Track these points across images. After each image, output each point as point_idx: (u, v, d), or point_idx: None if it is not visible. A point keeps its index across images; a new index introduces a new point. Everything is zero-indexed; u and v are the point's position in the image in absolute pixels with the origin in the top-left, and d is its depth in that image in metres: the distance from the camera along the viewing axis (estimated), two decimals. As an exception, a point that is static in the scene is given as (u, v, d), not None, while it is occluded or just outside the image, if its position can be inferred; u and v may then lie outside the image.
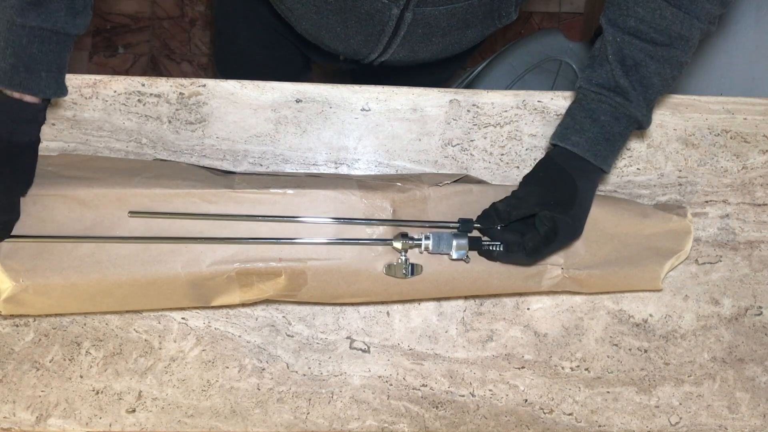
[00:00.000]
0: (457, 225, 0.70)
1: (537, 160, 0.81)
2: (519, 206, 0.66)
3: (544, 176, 0.66)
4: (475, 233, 0.71)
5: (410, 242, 0.69)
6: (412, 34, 0.77)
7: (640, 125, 0.66)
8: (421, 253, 0.70)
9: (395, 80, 0.82)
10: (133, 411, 0.76)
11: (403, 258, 0.69)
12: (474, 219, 0.70)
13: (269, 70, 1.07)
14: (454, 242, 0.69)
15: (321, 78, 0.91)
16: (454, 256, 0.69)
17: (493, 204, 0.68)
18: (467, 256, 0.69)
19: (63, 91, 0.63)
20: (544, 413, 0.79)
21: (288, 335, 0.78)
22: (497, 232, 0.69)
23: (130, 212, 0.66)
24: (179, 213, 0.67)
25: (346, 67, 1.05)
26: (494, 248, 0.69)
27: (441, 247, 0.69)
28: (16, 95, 0.60)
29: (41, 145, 0.76)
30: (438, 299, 0.79)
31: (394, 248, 0.69)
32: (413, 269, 0.69)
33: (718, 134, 0.83)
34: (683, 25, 0.63)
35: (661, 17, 0.63)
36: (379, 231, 0.70)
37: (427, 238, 0.69)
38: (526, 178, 0.67)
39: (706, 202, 0.82)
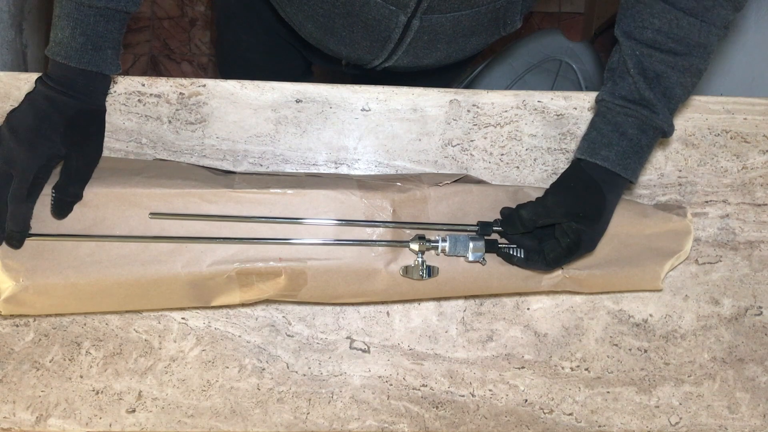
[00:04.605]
0: (476, 227, 0.70)
1: (537, 161, 0.81)
2: (546, 215, 0.66)
3: (574, 187, 0.66)
4: (493, 235, 0.71)
5: (427, 244, 0.69)
6: (417, 41, 0.77)
7: (664, 134, 0.66)
8: (437, 255, 0.70)
9: (396, 85, 0.82)
10: (133, 411, 0.76)
11: (420, 260, 0.69)
12: (493, 221, 0.70)
13: (271, 76, 1.08)
14: (471, 244, 0.69)
15: (321, 79, 0.91)
16: (471, 258, 0.69)
17: (518, 209, 0.68)
18: (483, 258, 0.70)
19: (119, 67, 0.66)
20: (544, 413, 0.79)
21: (288, 335, 0.78)
22: (516, 236, 0.70)
23: (151, 213, 0.67)
24: (198, 215, 0.67)
25: (349, 72, 1.05)
26: (515, 253, 0.70)
27: (457, 249, 0.69)
28: (94, 69, 0.64)
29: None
30: (438, 299, 0.79)
31: (411, 250, 0.69)
32: (430, 271, 0.69)
33: (718, 134, 0.83)
34: (701, 34, 0.63)
35: (678, 27, 0.63)
36: (379, 231, 0.70)
37: (443, 240, 0.69)
38: (555, 187, 0.67)
39: (706, 202, 0.82)
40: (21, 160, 0.62)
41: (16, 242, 0.64)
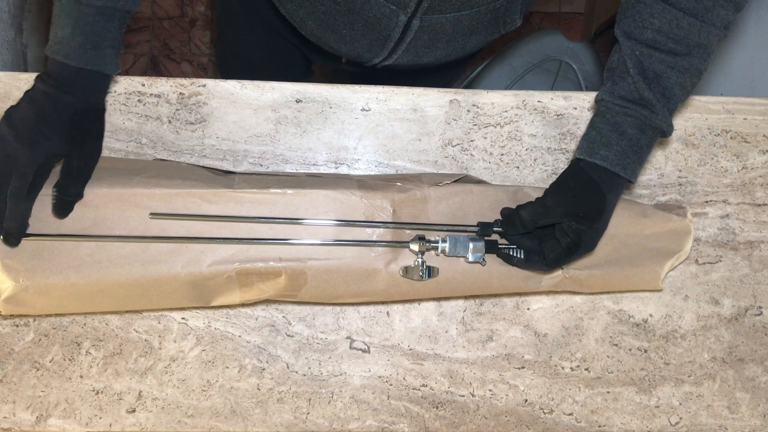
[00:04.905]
0: (476, 228, 0.70)
1: (537, 161, 0.81)
2: (546, 215, 0.66)
3: (573, 187, 0.66)
4: (493, 236, 0.71)
5: (427, 245, 0.69)
6: (417, 41, 0.77)
7: (663, 134, 0.67)
8: (437, 255, 0.70)
9: (396, 83, 0.82)
10: (133, 411, 0.76)
11: (420, 260, 0.69)
12: (493, 222, 0.70)
13: (271, 74, 1.08)
14: (471, 245, 0.69)
15: (321, 78, 0.91)
16: (471, 258, 0.69)
17: (517, 210, 0.68)
18: (483, 259, 0.70)
19: (119, 67, 0.66)
20: (544, 413, 0.79)
21: (288, 335, 0.78)
22: (516, 236, 0.70)
23: (151, 213, 0.66)
24: (198, 215, 0.67)
25: (348, 70, 1.05)
26: (514, 253, 0.69)
27: (457, 250, 0.69)
28: (94, 69, 0.63)
29: (41, 145, 0.76)
30: (438, 299, 0.79)
31: (411, 251, 0.69)
32: (430, 272, 0.69)
33: (718, 134, 0.83)
34: (700, 34, 0.63)
35: (678, 27, 0.63)
36: (379, 231, 0.70)
37: (443, 240, 0.69)
38: (554, 187, 0.67)
39: (706, 202, 0.82)
40: (21, 157, 0.62)
41: (13, 240, 0.64)
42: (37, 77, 0.64)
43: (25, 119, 0.63)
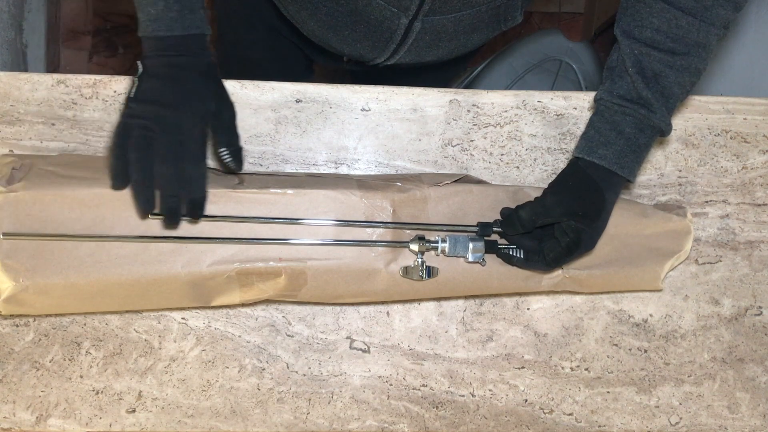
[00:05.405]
0: (475, 228, 0.70)
1: (537, 161, 0.81)
2: (545, 215, 0.66)
3: (572, 186, 0.66)
4: (493, 236, 0.71)
5: (427, 245, 0.69)
6: (420, 41, 0.77)
7: (662, 133, 0.67)
8: (437, 255, 0.70)
9: (397, 81, 0.82)
10: (133, 411, 0.76)
11: (420, 260, 0.69)
12: (492, 222, 0.70)
13: (272, 74, 1.08)
14: (471, 245, 0.69)
15: (321, 77, 0.91)
16: (471, 259, 0.69)
17: (516, 209, 0.68)
18: (483, 259, 0.70)
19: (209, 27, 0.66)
20: (544, 413, 0.79)
21: (288, 335, 0.78)
22: (515, 236, 0.70)
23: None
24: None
25: (350, 69, 1.05)
26: (514, 253, 0.70)
27: (457, 250, 0.69)
28: (197, 32, 0.63)
29: (41, 145, 0.76)
30: (438, 299, 0.79)
31: (411, 251, 0.69)
32: (430, 272, 0.69)
33: (718, 134, 0.83)
34: (699, 33, 0.63)
35: (677, 26, 0.63)
36: (379, 231, 0.70)
37: (443, 240, 0.69)
38: (553, 186, 0.67)
39: (706, 202, 0.82)
40: (182, 122, 0.61)
41: (199, 209, 0.63)
42: (142, 60, 0.63)
43: (161, 93, 0.61)
